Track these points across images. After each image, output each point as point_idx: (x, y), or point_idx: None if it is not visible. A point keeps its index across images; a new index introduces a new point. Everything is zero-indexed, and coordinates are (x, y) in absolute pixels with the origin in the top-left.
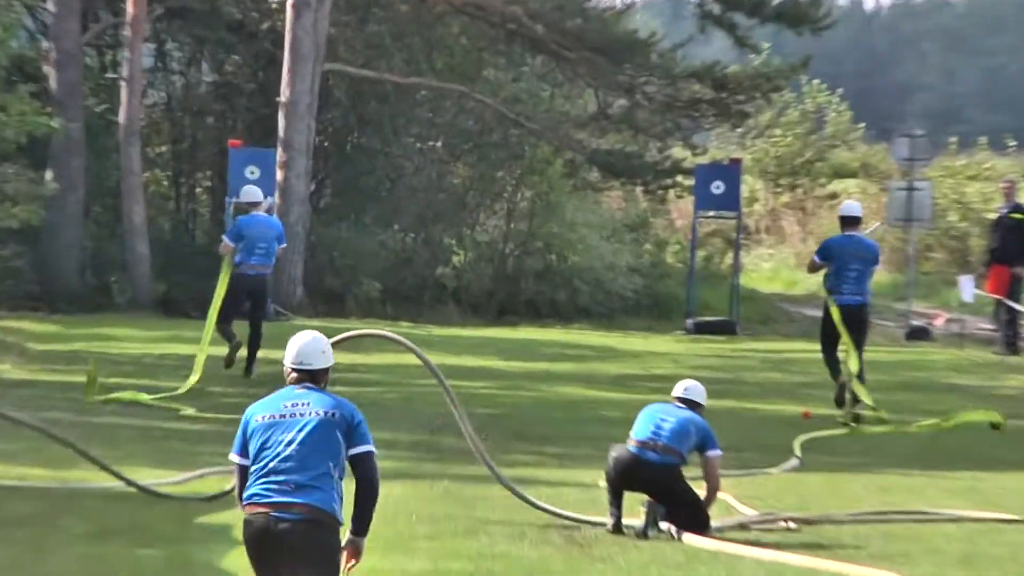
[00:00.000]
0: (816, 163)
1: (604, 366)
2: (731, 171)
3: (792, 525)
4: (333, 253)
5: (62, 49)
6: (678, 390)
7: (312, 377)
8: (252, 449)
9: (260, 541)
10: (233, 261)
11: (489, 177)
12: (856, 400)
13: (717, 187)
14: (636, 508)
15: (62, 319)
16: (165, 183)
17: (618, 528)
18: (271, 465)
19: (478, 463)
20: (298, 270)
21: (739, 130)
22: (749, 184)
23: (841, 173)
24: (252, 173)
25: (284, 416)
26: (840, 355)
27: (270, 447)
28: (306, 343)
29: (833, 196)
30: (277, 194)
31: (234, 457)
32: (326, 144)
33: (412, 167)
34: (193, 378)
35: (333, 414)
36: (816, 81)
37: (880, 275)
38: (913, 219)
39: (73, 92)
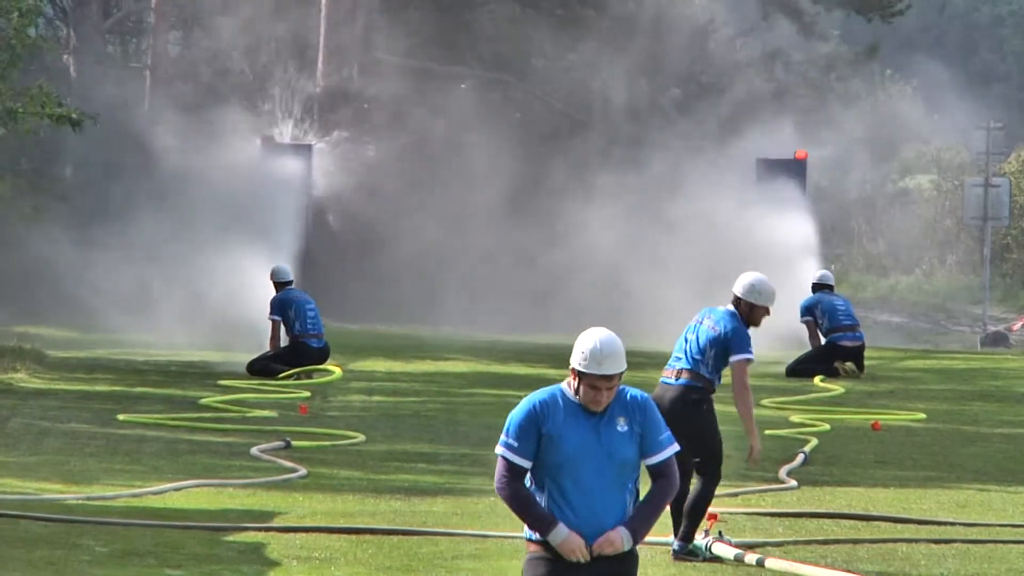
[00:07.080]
0: (887, 158)
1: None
2: (796, 166)
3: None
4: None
5: (82, 36)
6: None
7: None
8: None
9: None
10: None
11: None
12: None
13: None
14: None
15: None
16: None
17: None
18: None
19: None
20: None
21: None
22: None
23: (913, 168)
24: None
25: None
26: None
27: None
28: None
29: (905, 193)
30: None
31: None
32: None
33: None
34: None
35: None
36: (887, 71)
37: (954, 278)
38: (989, 217)
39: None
